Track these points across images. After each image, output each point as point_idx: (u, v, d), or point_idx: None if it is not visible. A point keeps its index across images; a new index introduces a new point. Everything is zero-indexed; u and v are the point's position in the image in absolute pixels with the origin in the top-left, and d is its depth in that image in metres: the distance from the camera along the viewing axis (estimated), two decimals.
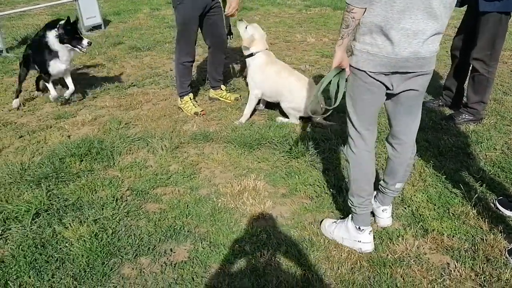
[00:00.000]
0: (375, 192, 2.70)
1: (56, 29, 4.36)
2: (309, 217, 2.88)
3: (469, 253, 2.49)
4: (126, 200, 3.10)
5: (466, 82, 4.24)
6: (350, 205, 2.53)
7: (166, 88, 5.19)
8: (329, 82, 2.31)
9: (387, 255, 2.50)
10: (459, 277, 2.32)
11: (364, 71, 2.17)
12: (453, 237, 2.62)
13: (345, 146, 2.50)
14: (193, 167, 3.51)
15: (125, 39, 7.39)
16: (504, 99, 4.51)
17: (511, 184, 3.11)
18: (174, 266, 2.47)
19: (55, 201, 3.05)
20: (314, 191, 3.13)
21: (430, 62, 2.15)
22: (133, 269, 2.48)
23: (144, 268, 2.48)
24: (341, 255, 2.51)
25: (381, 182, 2.66)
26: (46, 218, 2.87)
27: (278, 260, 2.50)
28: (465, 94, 4.27)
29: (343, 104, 2.37)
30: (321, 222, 2.78)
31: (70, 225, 2.79)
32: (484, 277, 2.31)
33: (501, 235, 2.60)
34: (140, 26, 8.27)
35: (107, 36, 7.55)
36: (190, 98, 4.52)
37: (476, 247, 2.52)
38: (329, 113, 2.47)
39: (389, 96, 2.30)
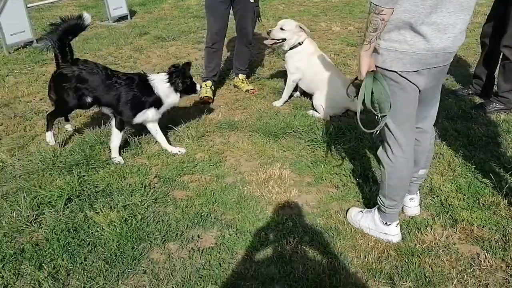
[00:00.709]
0: None
1: (170, 75, 3.57)
2: (335, 206, 2.88)
3: (499, 243, 2.45)
4: (154, 187, 3.15)
5: (497, 70, 4.13)
6: (380, 203, 2.48)
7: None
8: (372, 92, 2.16)
9: (415, 244, 2.48)
10: (489, 267, 2.29)
11: (395, 72, 2.06)
12: (483, 227, 2.58)
13: (380, 150, 2.39)
14: (219, 156, 3.54)
15: (151, 30, 7.46)
16: None
17: None
18: (202, 252, 2.51)
19: (86, 187, 3.12)
20: (340, 180, 3.12)
21: (453, 54, 2.10)
22: (161, 254, 2.53)
23: (172, 253, 2.53)
24: (368, 244, 2.50)
25: None
26: (78, 204, 2.95)
27: (304, 248, 2.51)
28: (495, 83, 4.18)
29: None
30: (347, 211, 2.78)
31: (101, 210, 2.86)
32: None
33: None
34: (165, 17, 8.33)
35: (133, 27, 7.63)
36: (206, 85, 4.61)
37: (507, 238, 2.47)
38: (384, 121, 2.23)
39: None
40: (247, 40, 4.66)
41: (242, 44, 4.70)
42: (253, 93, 4.68)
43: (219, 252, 2.50)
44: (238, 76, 4.88)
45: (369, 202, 2.87)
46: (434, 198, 2.86)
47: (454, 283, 2.21)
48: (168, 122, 4.07)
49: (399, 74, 2.06)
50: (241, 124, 4.00)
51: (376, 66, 2.12)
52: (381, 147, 2.39)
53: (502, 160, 3.23)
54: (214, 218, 2.80)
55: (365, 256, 2.41)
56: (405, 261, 2.36)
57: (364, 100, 2.21)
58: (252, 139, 3.73)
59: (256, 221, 2.75)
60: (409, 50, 1.99)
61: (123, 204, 2.92)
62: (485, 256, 2.36)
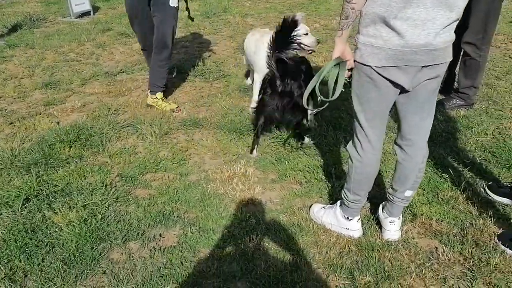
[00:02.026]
0: (383, 203, 2.61)
1: None
2: (298, 202, 2.89)
3: (457, 237, 2.51)
4: (116, 186, 3.09)
5: (458, 66, 4.19)
6: (343, 197, 2.50)
7: None
8: (328, 73, 2.18)
9: (375, 239, 2.52)
10: (447, 261, 2.35)
11: (369, 66, 2.02)
12: (441, 221, 2.65)
13: (350, 144, 2.38)
14: (183, 153, 3.50)
15: (114, 26, 7.30)
16: (497, 84, 4.53)
17: (501, 169, 3.13)
18: (163, 251, 2.48)
19: (44, 187, 3.03)
20: (304, 176, 3.14)
21: (445, 52, 1.99)
22: (122, 253, 2.48)
23: (133, 253, 2.48)
24: (330, 240, 2.53)
25: (389, 189, 2.47)
26: (36, 204, 2.86)
27: (267, 244, 2.51)
28: (456, 79, 4.25)
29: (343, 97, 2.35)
30: (310, 207, 2.80)
31: (60, 210, 2.78)
32: (472, 262, 2.33)
33: (491, 220, 2.61)
34: None
35: (96, 23, 7.46)
36: (158, 98, 4.20)
37: (465, 232, 2.54)
38: (325, 105, 2.32)
39: (400, 91, 2.13)
40: (165, 51, 4.08)
41: (157, 54, 4.08)
42: (179, 112, 4.15)
43: (181, 251, 2.47)
44: (155, 95, 4.20)
45: (332, 198, 2.90)
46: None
47: (413, 276, 2.26)
48: (130, 119, 4.01)
49: (374, 70, 2.02)
50: (206, 121, 3.97)
51: (355, 61, 2.11)
52: (350, 141, 2.39)
53: (461, 156, 3.32)
54: (177, 216, 2.76)
55: (327, 252, 2.44)
56: (365, 256, 2.40)
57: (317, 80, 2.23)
58: (216, 137, 3.71)
59: (219, 219, 2.74)
60: (383, 46, 1.95)
61: (82, 204, 2.85)
62: (443, 250, 2.42)
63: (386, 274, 2.28)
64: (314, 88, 2.25)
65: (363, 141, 2.28)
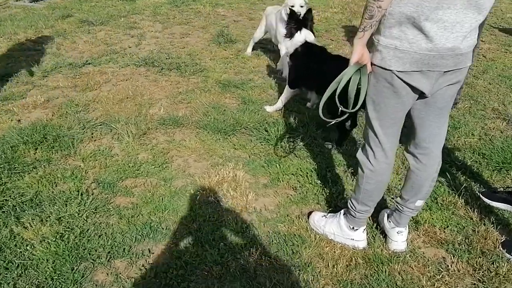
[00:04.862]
0: (387, 211, 2.48)
1: None
2: (295, 210, 2.71)
3: (463, 246, 2.41)
4: (93, 194, 2.79)
5: None
6: (350, 207, 2.33)
7: (126, 67, 4.80)
8: (348, 81, 1.98)
9: (381, 250, 2.38)
10: (458, 272, 2.24)
11: (391, 71, 1.86)
12: (444, 229, 2.54)
13: (360, 152, 2.21)
14: (164, 156, 3.23)
15: (74, 12, 6.83)
16: (476, 83, 4.51)
17: (493, 172, 3.07)
18: (155, 270, 2.22)
19: (9, 196, 2.69)
20: (297, 181, 2.96)
21: (467, 57, 1.86)
22: (107, 274, 2.21)
23: (120, 273, 2.22)
24: (335, 252, 2.36)
25: (398, 199, 2.32)
26: (1, 217, 2.52)
27: (269, 259, 2.31)
28: None
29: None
30: (308, 215, 2.62)
31: (30, 224, 2.47)
32: (482, 272, 2.23)
33: (492, 226, 2.54)
34: None
35: (54, 8, 6.95)
36: None
37: (470, 240, 2.44)
38: (345, 116, 2.13)
39: (418, 97, 1.98)
40: None
41: None
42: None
43: (175, 269, 2.23)
44: None
45: (330, 204, 2.74)
46: (392, 198, 2.79)
47: None
48: (103, 117, 3.68)
49: (396, 74, 1.86)
50: (186, 120, 3.70)
51: (373, 64, 1.93)
52: (361, 150, 2.21)
53: (452, 157, 3.24)
54: (166, 228, 2.51)
55: (334, 266, 2.27)
56: (375, 270, 2.25)
57: (336, 87, 2.02)
58: (200, 137, 3.45)
59: (213, 230, 2.51)
60: (409, 49, 1.79)
61: (56, 216, 2.54)
62: (452, 260, 2.31)
63: None
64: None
65: (376, 150, 2.12)
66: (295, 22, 3.57)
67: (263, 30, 4.95)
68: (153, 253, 2.35)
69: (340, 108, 2.04)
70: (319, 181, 2.93)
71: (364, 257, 2.33)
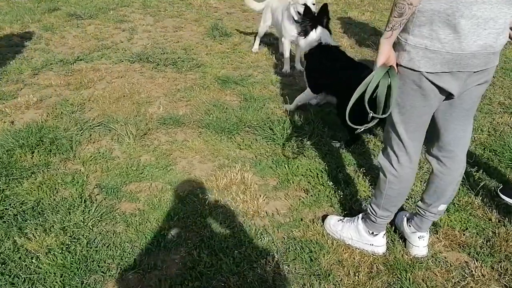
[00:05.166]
0: (406, 214, 2.40)
1: None
2: (308, 213, 2.62)
3: (485, 249, 2.35)
4: (96, 200, 2.66)
5: None
6: (370, 212, 2.24)
7: (119, 63, 4.64)
8: (377, 85, 1.85)
9: (402, 255, 2.31)
10: (483, 278, 2.18)
11: (419, 72, 1.76)
12: (464, 231, 2.48)
13: (382, 157, 2.12)
14: (167, 158, 3.11)
15: (61, 5, 6.63)
16: None
17: (506, 169, 3.03)
18: (171, 283, 2.12)
19: (9, 205, 2.55)
20: (308, 182, 2.87)
21: (497, 56, 1.78)
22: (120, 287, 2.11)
23: (133, 286, 2.11)
24: (354, 258, 2.28)
25: (420, 203, 2.24)
26: (3, 228, 2.39)
27: (287, 267, 2.22)
28: None
29: None
30: (323, 219, 2.54)
31: (34, 235, 2.33)
32: (508, 277, 2.18)
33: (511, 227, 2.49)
34: None
35: (39, 1, 6.72)
36: None
37: (491, 243, 2.39)
38: (375, 122, 1.98)
39: (444, 99, 1.88)
40: None
41: None
42: None
43: (191, 281, 2.13)
44: None
45: (344, 207, 2.66)
46: (408, 200, 2.72)
47: None
48: (100, 117, 3.53)
49: (425, 76, 1.76)
50: (187, 119, 3.57)
51: (400, 65, 1.82)
52: (382, 153, 2.12)
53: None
54: (177, 236, 2.40)
55: (355, 274, 2.19)
56: (398, 277, 2.18)
57: (363, 91, 1.88)
58: (203, 137, 3.34)
59: (227, 237, 2.41)
60: (441, 49, 1.69)
61: (60, 226, 2.42)
62: (475, 264, 2.25)
63: None
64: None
65: (400, 154, 2.03)
66: (310, 19, 3.44)
67: (268, 25, 4.81)
68: (165, 263, 2.25)
69: (370, 114, 1.93)
70: (331, 182, 2.84)
71: (385, 264, 2.26)
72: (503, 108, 3.83)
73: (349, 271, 2.20)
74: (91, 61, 4.65)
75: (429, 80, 1.78)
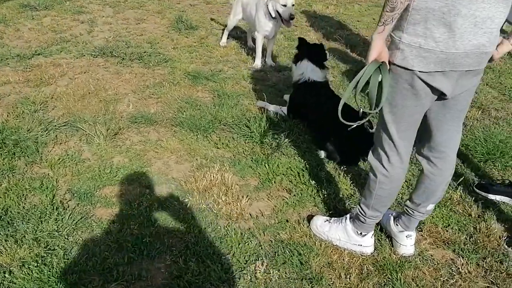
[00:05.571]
0: (392, 214, 2.39)
1: None
2: (293, 214, 2.58)
3: (469, 245, 2.38)
4: (68, 207, 2.50)
5: None
6: (359, 213, 2.22)
7: (81, 57, 4.40)
8: (368, 80, 1.82)
9: (390, 255, 2.31)
10: (470, 275, 2.21)
11: (412, 71, 1.74)
12: (446, 227, 2.51)
13: (372, 156, 2.10)
14: (141, 159, 2.97)
15: None
16: None
17: (479, 163, 3.11)
18: None
19: None
20: (290, 181, 2.82)
21: (489, 56, 1.77)
22: None
23: None
24: (344, 260, 2.26)
25: (408, 202, 2.23)
26: None
27: (278, 272, 2.16)
28: None
29: None
30: (309, 219, 2.50)
31: (4, 247, 2.16)
32: (494, 274, 2.22)
33: (492, 221, 2.55)
34: None
35: None
36: None
37: (474, 238, 2.43)
38: (367, 118, 2.00)
39: (436, 98, 1.87)
40: None
41: None
42: None
43: None
44: None
45: (329, 207, 2.63)
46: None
47: None
48: (66, 117, 3.33)
49: (417, 75, 1.74)
50: (160, 117, 3.43)
51: (393, 63, 1.79)
52: (372, 154, 2.10)
53: None
54: (159, 243, 2.29)
55: (346, 276, 2.17)
56: (389, 277, 2.17)
57: (355, 87, 1.85)
58: (177, 136, 3.21)
59: (212, 242, 2.32)
60: (435, 48, 1.67)
61: (33, 236, 2.25)
62: (461, 262, 2.27)
63: None
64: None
65: (391, 154, 2.01)
66: (302, 52, 3.45)
67: (238, 19, 4.70)
68: (150, 273, 2.13)
69: (361, 110, 1.90)
70: (313, 181, 2.81)
71: (375, 264, 2.25)
72: (470, 103, 3.93)
73: (340, 274, 2.18)
74: (50, 56, 4.38)
75: (422, 80, 1.77)
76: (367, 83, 1.82)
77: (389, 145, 2.00)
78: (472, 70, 1.78)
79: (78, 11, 5.68)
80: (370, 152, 2.13)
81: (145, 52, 4.54)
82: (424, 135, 2.06)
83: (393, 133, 1.95)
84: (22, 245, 2.19)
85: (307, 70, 3.34)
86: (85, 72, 4.09)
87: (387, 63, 1.82)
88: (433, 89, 1.81)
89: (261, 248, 2.31)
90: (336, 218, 2.42)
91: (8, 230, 2.28)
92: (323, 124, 3.12)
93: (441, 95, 1.85)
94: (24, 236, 2.25)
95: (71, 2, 6.03)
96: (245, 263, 2.20)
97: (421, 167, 2.14)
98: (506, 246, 2.39)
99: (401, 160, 2.02)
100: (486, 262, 2.28)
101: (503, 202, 2.72)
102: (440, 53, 1.69)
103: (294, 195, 2.71)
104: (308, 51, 3.43)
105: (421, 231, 2.48)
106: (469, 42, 1.67)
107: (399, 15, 1.69)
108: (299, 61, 3.41)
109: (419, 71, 1.75)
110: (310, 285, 2.11)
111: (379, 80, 1.79)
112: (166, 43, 4.88)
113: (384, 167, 2.04)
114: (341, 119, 1.88)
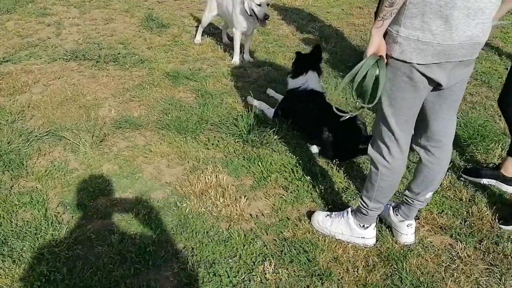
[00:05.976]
0: (391, 204, 2.43)
1: None
2: (293, 211, 2.59)
3: (464, 230, 2.47)
4: (63, 221, 2.42)
5: None
6: (361, 206, 2.26)
7: (52, 62, 4.24)
8: (365, 74, 1.85)
9: (392, 245, 2.36)
10: (469, 258, 2.29)
11: (410, 64, 1.79)
12: (441, 213, 2.59)
13: (372, 149, 2.13)
14: (131, 165, 2.91)
15: None
16: None
17: (461, 147, 3.21)
18: None
19: None
20: (285, 178, 2.84)
21: (481, 46, 1.84)
22: None
23: None
24: (349, 254, 2.29)
25: (407, 192, 2.28)
26: None
27: (286, 271, 2.17)
28: None
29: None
30: (309, 215, 2.52)
31: (2, 269, 2.07)
32: (492, 255, 2.31)
33: (482, 204, 2.64)
34: None
35: None
36: None
37: (468, 222, 2.52)
38: (361, 111, 2.05)
39: (432, 89, 1.93)
40: None
41: None
42: None
43: None
44: None
45: (327, 201, 2.66)
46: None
47: (448, 283, 2.15)
48: (46, 125, 3.21)
49: (416, 68, 1.79)
50: (144, 120, 3.36)
51: (391, 57, 1.83)
52: (372, 146, 2.13)
53: None
54: (164, 251, 2.25)
55: (353, 269, 2.20)
56: (394, 268, 2.22)
57: (352, 80, 1.90)
58: (165, 139, 3.15)
59: (215, 246, 2.30)
60: (432, 41, 1.72)
61: (31, 254, 2.17)
62: (460, 246, 2.36)
63: (424, 285, 2.14)
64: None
65: (392, 146, 2.05)
66: (303, 62, 3.36)
67: (213, 15, 4.62)
68: (158, 282, 2.10)
69: (357, 103, 1.94)
70: (308, 177, 2.82)
71: (379, 256, 2.30)
72: None
73: (347, 268, 2.21)
74: (19, 62, 4.19)
75: (420, 72, 1.82)
76: (364, 77, 1.86)
77: (389, 137, 2.04)
78: (465, 60, 1.84)
79: (42, 13, 5.44)
80: (369, 145, 2.17)
81: (119, 53, 4.42)
82: (420, 126, 2.11)
83: (393, 125, 1.99)
84: (20, 264, 2.11)
85: (311, 81, 3.29)
86: (59, 78, 3.94)
87: (385, 57, 1.86)
88: (430, 80, 1.86)
89: (267, 248, 2.31)
90: (336, 212, 2.45)
91: (3, 249, 2.18)
92: (317, 126, 3.09)
93: (437, 86, 1.90)
94: (21, 255, 2.16)
95: (33, 4, 5.77)
96: (253, 265, 2.20)
97: (418, 157, 2.20)
98: (499, 225, 2.48)
99: (401, 151, 2.07)
100: (483, 245, 2.37)
101: (490, 185, 2.83)
102: (437, 45, 1.74)
103: (291, 192, 2.73)
104: (313, 63, 3.36)
105: (418, 219, 2.54)
106: (463, 33, 1.73)
107: (397, 10, 1.73)
108: (302, 74, 3.31)
109: (417, 64, 1.80)
110: (320, 281, 2.13)
111: (377, 74, 1.84)
112: (139, 43, 4.76)
113: (385, 159, 2.09)
114: (335, 110, 1.92)
